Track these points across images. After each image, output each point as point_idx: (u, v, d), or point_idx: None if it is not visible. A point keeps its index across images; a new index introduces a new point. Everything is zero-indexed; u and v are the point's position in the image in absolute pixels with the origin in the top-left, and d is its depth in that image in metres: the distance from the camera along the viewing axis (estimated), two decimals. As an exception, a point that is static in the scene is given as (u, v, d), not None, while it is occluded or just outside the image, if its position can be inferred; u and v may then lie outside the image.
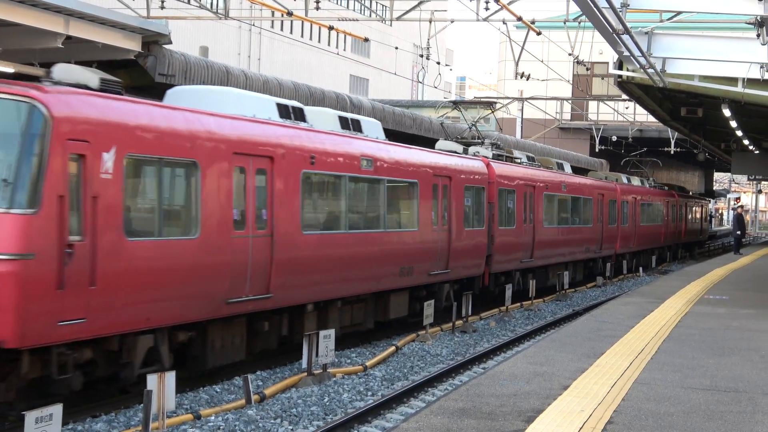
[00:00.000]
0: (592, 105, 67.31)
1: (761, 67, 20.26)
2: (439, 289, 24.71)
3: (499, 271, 28.70)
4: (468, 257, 25.87)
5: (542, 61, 48.71)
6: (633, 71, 23.32)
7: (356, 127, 21.02)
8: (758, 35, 17.57)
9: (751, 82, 22.12)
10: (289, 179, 17.46)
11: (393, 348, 20.53)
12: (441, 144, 28.01)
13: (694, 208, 62.89)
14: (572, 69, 64.74)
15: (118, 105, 13.78)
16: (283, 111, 18.31)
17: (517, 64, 38.06)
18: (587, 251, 38.04)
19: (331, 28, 31.53)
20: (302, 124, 18.61)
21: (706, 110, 32.28)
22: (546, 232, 32.41)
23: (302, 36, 79.06)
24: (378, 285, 21.15)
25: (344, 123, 20.61)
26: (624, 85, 28.73)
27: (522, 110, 62.16)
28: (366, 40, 34.93)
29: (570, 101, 66.02)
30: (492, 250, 27.75)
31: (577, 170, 44.82)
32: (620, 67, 24.53)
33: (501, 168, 28.94)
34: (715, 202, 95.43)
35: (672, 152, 63.53)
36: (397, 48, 52.50)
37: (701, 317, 20.20)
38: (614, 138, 62.47)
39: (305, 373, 16.83)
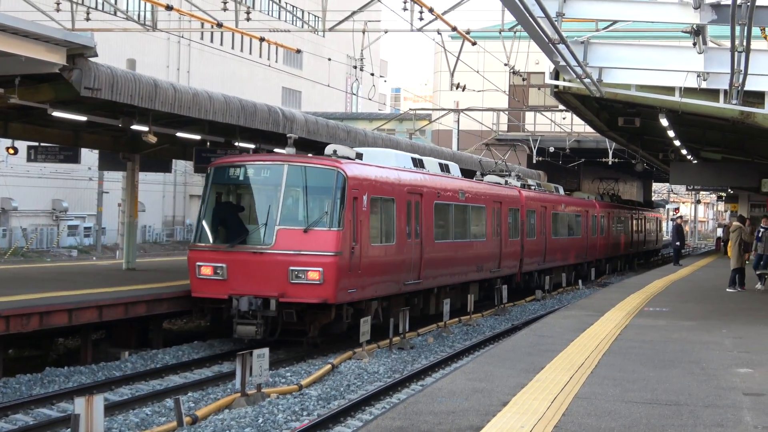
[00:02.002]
0: (529, 116, 67.67)
1: (698, 76, 20.44)
2: (494, 282, 34.95)
3: (526, 271, 39.01)
4: (511, 260, 36.68)
5: (478, 72, 48.96)
6: (569, 81, 23.44)
7: (447, 169, 31.33)
8: (694, 44, 17.75)
9: (688, 91, 22.31)
10: (428, 207, 27.85)
11: (329, 366, 20.46)
12: (489, 177, 38.27)
13: (650, 220, 73.84)
14: (508, 79, 65.05)
15: (365, 167, 24.42)
16: (414, 162, 28.67)
17: (452, 75, 38.19)
18: (578, 257, 48.16)
19: (262, 39, 31.43)
20: (423, 170, 28.95)
21: (644, 120, 32.51)
22: (554, 242, 42.94)
23: (233, 48, 78.74)
24: (466, 277, 31.59)
25: (441, 167, 30.90)
26: (560, 95, 28.88)
27: (458, 122, 62.41)
28: (298, 51, 34.86)
29: (507, 112, 66.37)
30: (523, 255, 38.10)
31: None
32: (556, 77, 24.62)
33: (527, 194, 39.64)
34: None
35: (610, 163, 64.03)
36: (330, 59, 52.46)
37: (641, 330, 20.35)
38: (552, 149, 62.80)
39: (239, 394, 16.71)
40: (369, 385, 19.33)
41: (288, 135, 24.62)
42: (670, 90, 22.73)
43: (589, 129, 46.12)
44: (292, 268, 22.04)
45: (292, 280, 22.03)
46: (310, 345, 23.11)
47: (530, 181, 43.60)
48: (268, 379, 17.61)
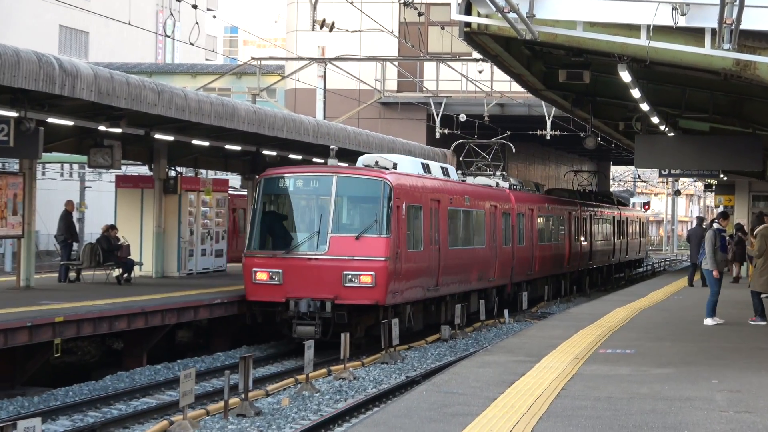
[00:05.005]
0: (429, 68, 67.99)
1: (673, 9, 20.64)
2: (490, 292, 46.84)
3: (516, 282, 50.16)
4: (503, 268, 47.85)
5: (352, 4, 49.03)
6: (487, 16, 23.58)
7: (447, 173, 43.52)
8: (668, -38, 17.95)
9: (659, 32, 22.48)
10: (444, 213, 39.89)
11: (134, 444, 20.36)
12: (478, 179, 50.23)
13: (634, 222, 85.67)
14: (398, 15, 65.38)
15: (403, 177, 36.82)
16: (423, 167, 40.41)
17: (314, 8, 38.25)
18: (560, 267, 59.74)
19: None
20: (432, 175, 40.66)
21: (596, 74, 32.85)
22: (541, 249, 54.53)
23: (-15, -33, 77.88)
24: (470, 285, 43.61)
25: (443, 171, 43.11)
26: (474, 37, 28.94)
27: (324, 77, 62.26)
28: (83, -28, 34.55)
29: (396, 63, 66.56)
30: (514, 263, 49.20)
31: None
32: (468, 11, 24.73)
33: (517, 195, 51.42)
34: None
35: (548, 136, 64.59)
36: (132, -16, 52.14)
37: (595, 382, 20.58)
38: (463, 117, 62.83)
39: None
40: (193, 471, 19.29)
41: (331, 147, 37.09)
42: (634, 30, 22.93)
43: (517, 87, 46.49)
44: (345, 272, 34.20)
45: (346, 283, 34.19)
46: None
47: (513, 180, 55.44)
48: (42, 464, 17.44)
